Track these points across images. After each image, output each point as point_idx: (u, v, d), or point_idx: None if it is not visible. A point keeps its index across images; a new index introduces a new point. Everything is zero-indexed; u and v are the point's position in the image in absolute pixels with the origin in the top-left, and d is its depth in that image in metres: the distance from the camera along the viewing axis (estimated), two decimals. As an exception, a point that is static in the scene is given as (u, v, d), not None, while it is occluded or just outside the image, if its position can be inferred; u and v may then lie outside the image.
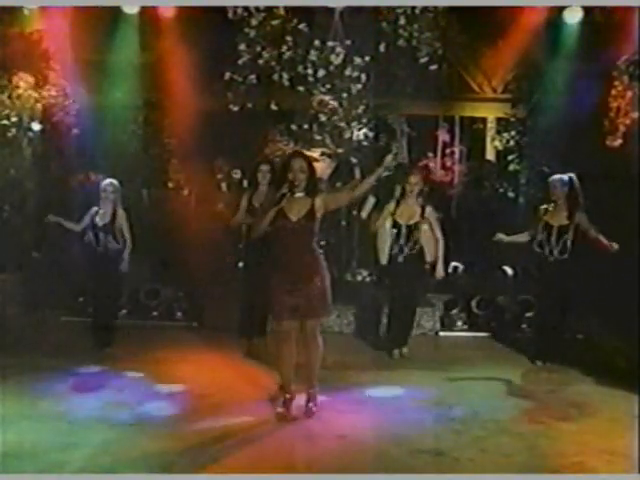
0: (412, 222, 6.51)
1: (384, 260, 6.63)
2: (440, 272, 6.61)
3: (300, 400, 4.98)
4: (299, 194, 4.74)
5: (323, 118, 8.45)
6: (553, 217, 6.44)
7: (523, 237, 6.70)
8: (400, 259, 6.53)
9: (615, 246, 6.09)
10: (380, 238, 6.69)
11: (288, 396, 4.93)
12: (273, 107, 8.54)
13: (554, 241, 6.34)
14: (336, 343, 6.54)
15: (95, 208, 6.67)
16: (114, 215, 6.64)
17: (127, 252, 6.73)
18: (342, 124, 8.53)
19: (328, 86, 8.39)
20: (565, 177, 6.43)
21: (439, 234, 6.59)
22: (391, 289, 6.82)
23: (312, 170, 4.81)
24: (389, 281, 6.85)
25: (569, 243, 6.30)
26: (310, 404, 4.93)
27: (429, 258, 6.62)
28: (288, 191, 4.69)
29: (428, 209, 6.59)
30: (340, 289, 6.34)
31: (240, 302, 6.66)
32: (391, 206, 6.65)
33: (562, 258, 6.32)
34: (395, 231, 6.53)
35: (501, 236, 6.68)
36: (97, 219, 6.63)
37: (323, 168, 8.02)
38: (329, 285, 4.87)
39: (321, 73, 8.33)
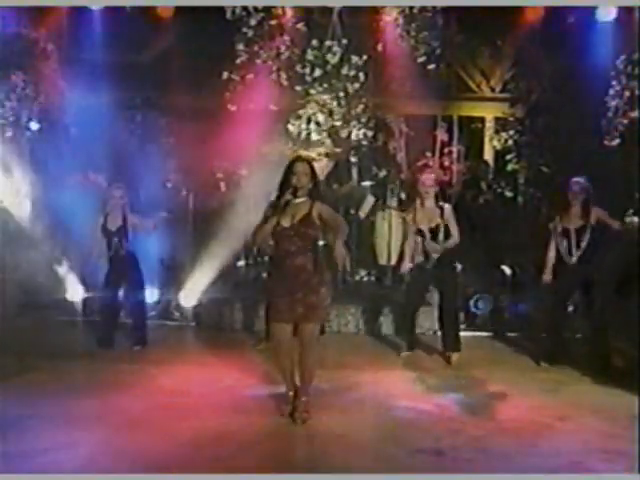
0: (433, 225, 6.42)
1: (408, 266, 6.63)
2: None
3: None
4: (302, 199, 4.67)
5: (320, 118, 8.45)
6: (570, 220, 6.33)
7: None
8: (431, 263, 6.49)
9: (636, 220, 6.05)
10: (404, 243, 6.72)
11: (291, 394, 4.90)
12: (272, 107, 8.53)
13: (575, 244, 6.26)
14: (336, 342, 6.58)
15: (102, 217, 6.67)
16: (124, 219, 6.63)
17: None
18: (340, 124, 8.53)
19: (325, 85, 8.39)
20: (582, 179, 6.29)
21: (455, 231, 6.45)
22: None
23: (314, 174, 4.76)
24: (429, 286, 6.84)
25: (592, 243, 6.20)
26: (303, 412, 4.79)
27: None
28: (292, 197, 4.63)
29: (447, 207, 6.48)
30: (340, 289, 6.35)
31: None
32: (409, 213, 6.62)
33: (585, 259, 6.23)
34: (420, 237, 6.47)
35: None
36: (108, 225, 6.62)
37: (321, 168, 8.02)
38: (328, 289, 4.76)
39: (318, 72, 8.33)
